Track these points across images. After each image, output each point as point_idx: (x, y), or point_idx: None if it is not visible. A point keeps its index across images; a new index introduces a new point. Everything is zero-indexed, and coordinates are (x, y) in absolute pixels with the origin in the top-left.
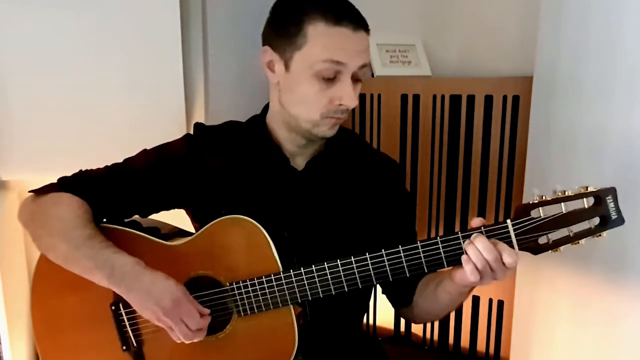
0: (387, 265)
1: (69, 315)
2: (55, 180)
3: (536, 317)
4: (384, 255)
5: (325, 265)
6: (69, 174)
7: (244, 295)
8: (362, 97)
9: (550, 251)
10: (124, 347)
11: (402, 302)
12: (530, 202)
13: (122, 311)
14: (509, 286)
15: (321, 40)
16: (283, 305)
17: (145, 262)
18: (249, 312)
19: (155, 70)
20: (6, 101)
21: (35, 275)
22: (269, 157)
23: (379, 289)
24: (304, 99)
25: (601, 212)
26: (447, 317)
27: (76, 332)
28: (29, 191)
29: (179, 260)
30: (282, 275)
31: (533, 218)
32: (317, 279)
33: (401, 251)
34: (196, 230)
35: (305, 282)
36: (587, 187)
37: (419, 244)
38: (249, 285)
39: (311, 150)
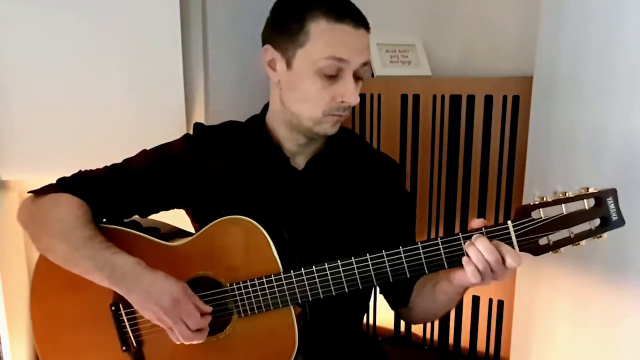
0: (387, 266)
1: (69, 316)
2: (54, 181)
3: (536, 317)
4: (385, 255)
5: (326, 266)
6: (69, 174)
7: (244, 296)
8: (362, 97)
9: (550, 252)
10: (124, 348)
11: (399, 303)
12: (531, 203)
13: (122, 311)
14: (509, 286)
15: (324, 38)
16: (283, 306)
17: (146, 262)
18: (249, 312)
19: (155, 70)
20: (6, 101)
21: (35, 275)
22: (269, 156)
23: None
24: (306, 96)
25: (602, 213)
26: (447, 316)
27: (76, 332)
28: (28, 192)
29: (179, 260)
30: (282, 276)
31: (534, 219)
32: (317, 280)
33: (402, 252)
34: (196, 231)
35: (306, 282)
36: (587, 188)
37: (419, 245)
38: (249, 286)
39: (311, 149)
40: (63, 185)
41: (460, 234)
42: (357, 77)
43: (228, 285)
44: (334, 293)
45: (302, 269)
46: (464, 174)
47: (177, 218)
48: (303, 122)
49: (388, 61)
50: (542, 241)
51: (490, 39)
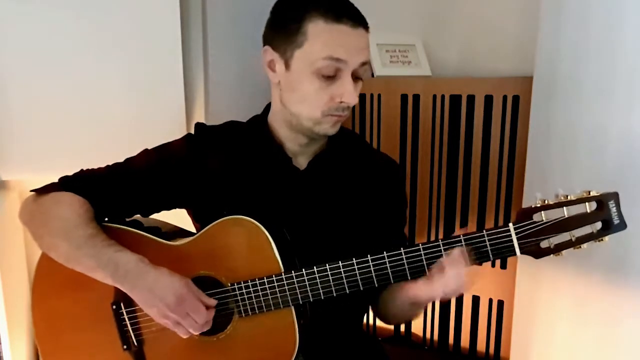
0: (388, 267)
1: (70, 315)
2: (56, 180)
3: (536, 317)
4: (386, 257)
5: (327, 267)
6: (69, 174)
7: (245, 296)
8: (362, 97)
9: (552, 255)
10: (125, 347)
11: (371, 300)
12: (533, 206)
13: (123, 310)
14: (509, 286)
15: (321, 38)
16: (284, 306)
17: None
18: (249, 312)
19: (155, 70)
20: (6, 101)
21: (36, 275)
22: (270, 156)
23: None
24: (305, 97)
25: (603, 216)
26: (447, 316)
27: (77, 331)
28: (31, 190)
29: (180, 260)
30: (283, 276)
31: (535, 222)
32: (318, 280)
33: (403, 253)
34: (197, 230)
35: (307, 283)
36: (589, 192)
37: (420, 246)
38: (250, 286)
39: (313, 149)
40: (65, 184)
41: (461, 236)
42: (356, 77)
43: (229, 285)
44: (334, 294)
45: (303, 269)
46: (464, 174)
47: (178, 218)
48: (303, 122)
49: (388, 61)
50: (544, 244)
51: (490, 39)
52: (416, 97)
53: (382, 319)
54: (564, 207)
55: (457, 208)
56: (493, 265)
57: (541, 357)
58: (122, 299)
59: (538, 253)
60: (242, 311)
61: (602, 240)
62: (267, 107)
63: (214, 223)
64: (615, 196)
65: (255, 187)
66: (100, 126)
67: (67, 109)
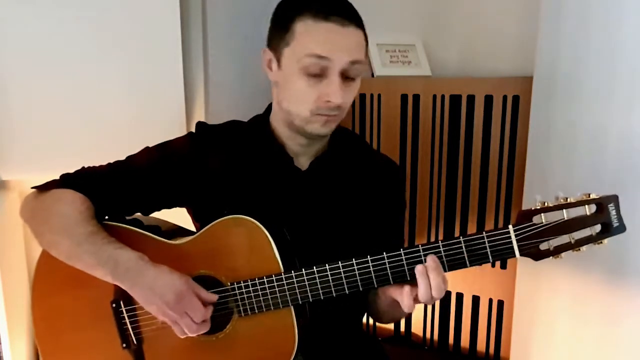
0: (388, 268)
1: (70, 313)
2: (57, 177)
3: (536, 317)
4: (385, 257)
5: (327, 267)
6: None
7: (245, 295)
8: (362, 97)
9: (551, 257)
10: (124, 345)
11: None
12: (532, 208)
13: (123, 309)
14: (509, 286)
15: (307, 36)
16: (283, 306)
17: None
18: (249, 312)
19: (155, 70)
20: (6, 101)
21: (36, 273)
22: (272, 156)
23: None
24: (294, 95)
25: (603, 219)
26: (447, 316)
27: (76, 329)
28: (32, 187)
29: (180, 259)
30: (283, 276)
31: (535, 224)
32: (317, 281)
33: (402, 254)
34: (197, 230)
35: (306, 283)
36: (589, 194)
37: (420, 247)
38: (250, 286)
39: (314, 150)
40: (66, 181)
41: (461, 237)
42: (347, 77)
43: (229, 284)
44: (334, 294)
45: (303, 269)
46: (464, 174)
47: (178, 217)
48: (295, 121)
49: (388, 61)
50: (543, 246)
51: (490, 39)
52: (416, 97)
53: (373, 317)
54: (564, 210)
55: (457, 208)
56: (493, 265)
57: (541, 357)
58: (121, 297)
59: (537, 255)
60: (242, 311)
61: (601, 242)
62: (269, 107)
63: (214, 222)
64: (615, 199)
65: (256, 187)
66: (100, 126)
67: (67, 109)
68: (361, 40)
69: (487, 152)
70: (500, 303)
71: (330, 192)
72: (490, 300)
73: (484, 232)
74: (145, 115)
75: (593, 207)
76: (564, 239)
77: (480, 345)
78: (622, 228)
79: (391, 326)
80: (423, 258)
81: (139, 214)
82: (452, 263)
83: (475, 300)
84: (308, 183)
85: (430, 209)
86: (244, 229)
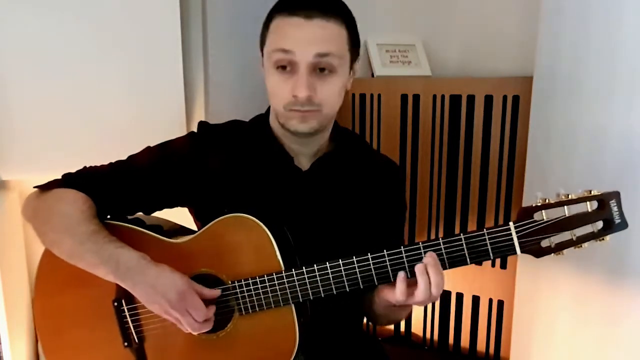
0: (388, 266)
1: (72, 312)
2: (59, 177)
3: (536, 317)
4: (386, 255)
5: (327, 265)
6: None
7: (246, 294)
8: (362, 97)
9: (552, 254)
10: (126, 343)
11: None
12: (533, 205)
13: (125, 307)
14: (509, 286)
15: (275, 32)
16: (284, 304)
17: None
18: (250, 310)
19: (155, 70)
20: (6, 101)
21: (39, 272)
22: (272, 156)
23: None
24: (271, 92)
25: (605, 215)
26: (447, 316)
27: (78, 328)
28: (34, 187)
29: (182, 257)
30: (283, 274)
31: (536, 221)
32: (318, 279)
33: (403, 252)
34: (198, 229)
35: (307, 281)
36: (590, 191)
37: (420, 245)
38: (251, 284)
39: (313, 149)
40: (68, 180)
41: (461, 234)
42: (322, 70)
43: (230, 282)
44: (335, 292)
45: (304, 267)
46: (464, 174)
47: (180, 216)
48: (279, 118)
49: (388, 61)
50: (544, 243)
51: (490, 39)
52: (416, 97)
53: (369, 319)
54: (565, 206)
55: (457, 208)
56: (493, 265)
57: (541, 357)
58: (123, 296)
59: (539, 252)
60: (243, 309)
61: (603, 239)
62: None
63: (215, 221)
64: (616, 195)
65: (257, 187)
66: (101, 126)
67: (67, 109)
68: (331, 32)
69: (487, 152)
70: (500, 303)
71: (330, 191)
72: (490, 300)
73: (484, 229)
74: (145, 115)
75: (594, 204)
76: (565, 235)
77: (480, 345)
78: (624, 225)
79: (391, 326)
80: (423, 255)
81: (140, 213)
82: (452, 260)
83: (475, 300)
84: (308, 183)
85: (430, 209)
86: (245, 228)
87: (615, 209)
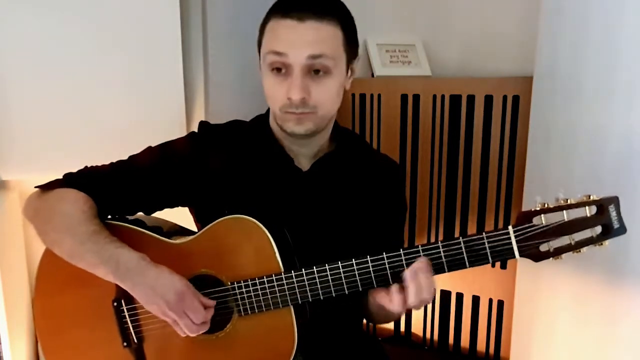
0: (387, 268)
1: (71, 312)
2: (60, 177)
3: (536, 317)
4: (385, 258)
5: (327, 267)
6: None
7: (245, 295)
8: (362, 97)
9: (551, 258)
10: (125, 344)
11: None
12: (532, 209)
13: (124, 307)
14: (509, 286)
15: (269, 34)
16: (283, 306)
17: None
18: (249, 311)
19: (155, 70)
20: (6, 101)
21: (39, 272)
22: (272, 156)
23: None
24: (267, 94)
25: (603, 220)
26: (447, 316)
27: (78, 328)
28: (35, 187)
29: (181, 258)
30: (283, 276)
31: (535, 225)
32: (317, 281)
33: (402, 255)
34: (198, 230)
35: (306, 283)
36: (589, 196)
37: (419, 248)
38: (250, 285)
39: (313, 150)
40: (69, 180)
41: (461, 238)
42: (316, 71)
43: (229, 284)
44: (334, 294)
45: (303, 269)
46: (464, 174)
47: (181, 217)
48: (276, 120)
49: (388, 61)
50: (543, 247)
51: (490, 39)
52: (416, 97)
53: (365, 318)
54: (564, 211)
55: (457, 208)
56: (493, 265)
57: (541, 357)
58: (123, 297)
59: (537, 256)
60: (242, 310)
61: (602, 244)
62: None
63: (215, 222)
64: (615, 200)
65: (257, 187)
66: (100, 126)
67: (67, 109)
68: (325, 33)
69: (487, 152)
70: (500, 303)
71: (330, 192)
72: (490, 300)
73: (483, 233)
74: (145, 115)
75: (593, 209)
76: (564, 240)
77: (480, 345)
78: (622, 230)
79: (391, 326)
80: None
81: (141, 213)
82: (451, 264)
83: (475, 300)
84: (308, 184)
85: (430, 209)
86: (245, 229)
87: (614, 214)
